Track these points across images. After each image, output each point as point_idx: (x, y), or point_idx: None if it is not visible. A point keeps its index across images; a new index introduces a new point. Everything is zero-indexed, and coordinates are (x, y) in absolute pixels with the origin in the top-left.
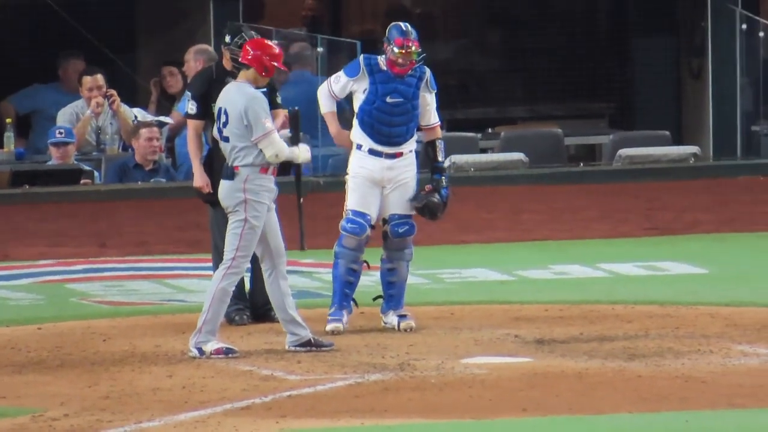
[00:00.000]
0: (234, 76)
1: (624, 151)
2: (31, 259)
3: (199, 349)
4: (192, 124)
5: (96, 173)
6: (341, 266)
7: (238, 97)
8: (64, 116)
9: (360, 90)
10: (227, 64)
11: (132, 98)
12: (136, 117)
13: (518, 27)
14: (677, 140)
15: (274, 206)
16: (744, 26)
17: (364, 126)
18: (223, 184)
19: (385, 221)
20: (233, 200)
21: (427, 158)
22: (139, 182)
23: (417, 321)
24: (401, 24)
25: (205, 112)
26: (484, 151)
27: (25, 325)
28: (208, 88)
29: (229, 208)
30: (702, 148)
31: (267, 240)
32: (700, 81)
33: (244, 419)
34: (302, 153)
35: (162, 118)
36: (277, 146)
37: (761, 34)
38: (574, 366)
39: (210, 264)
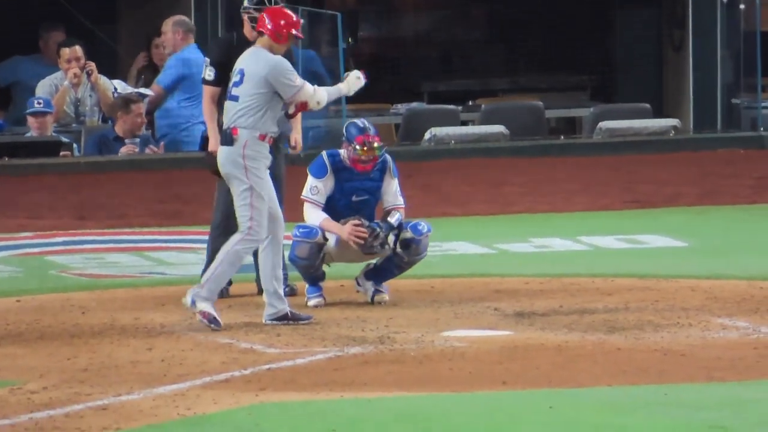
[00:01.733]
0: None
1: (605, 124)
2: (10, 232)
3: (193, 302)
4: (208, 91)
5: (75, 145)
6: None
7: (257, 60)
8: (43, 88)
9: (327, 187)
10: (248, 29)
11: (113, 70)
12: (116, 89)
13: None
14: (658, 113)
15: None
16: None
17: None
18: (222, 150)
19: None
20: (233, 166)
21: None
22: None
23: (397, 294)
24: (357, 121)
25: (222, 80)
26: (464, 123)
27: (3, 298)
28: (228, 55)
29: (229, 175)
30: (682, 120)
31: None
32: (681, 53)
33: (223, 392)
34: (351, 82)
35: (142, 90)
36: (317, 94)
37: (742, 6)
38: (554, 339)
39: (206, 237)
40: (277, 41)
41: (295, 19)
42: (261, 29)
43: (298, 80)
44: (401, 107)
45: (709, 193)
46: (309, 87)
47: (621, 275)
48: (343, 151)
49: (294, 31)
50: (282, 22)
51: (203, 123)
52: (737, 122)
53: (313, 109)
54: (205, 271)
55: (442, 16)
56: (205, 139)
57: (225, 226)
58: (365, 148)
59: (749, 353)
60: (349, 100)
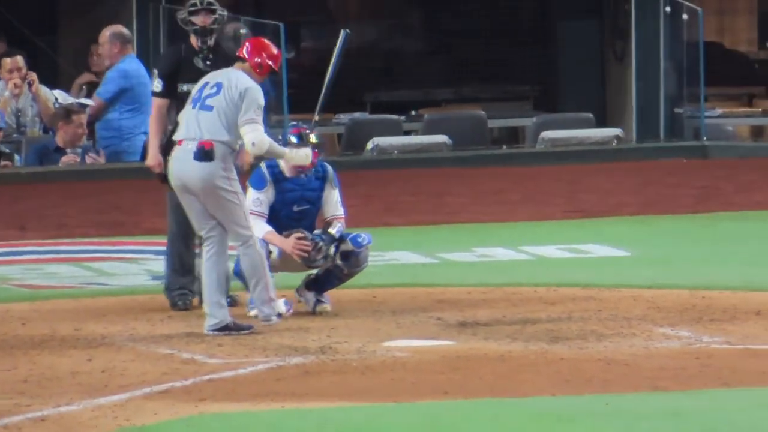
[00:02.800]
0: (201, 55)
1: (547, 134)
2: None
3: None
4: (156, 102)
5: (16, 156)
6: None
7: (237, 78)
8: None
9: (268, 198)
10: (193, 39)
11: (53, 80)
12: (56, 99)
13: (442, 8)
14: (601, 123)
15: None
16: (668, 9)
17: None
18: (202, 167)
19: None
20: (217, 180)
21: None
22: (60, 163)
23: (339, 304)
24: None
25: (170, 92)
26: (407, 133)
27: None
28: (175, 67)
29: (211, 189)
30: (625, 130)
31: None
32: (624, 63)
33: (163, 403)
34: (298, 155)
35: (83, 100)
36: (259, 135)
37: (685, 16)
38: (497, 348)
39: (161, 248)
40: (257, 72)
41: (276, 52)
42: (242, 56)
43: (258, 120)
44: (344, 117)
45: (651, 203)
46: (261, 128)
47: (564, 285)
48: (282, 161)
49: (272, 64)
50: (264, 55)
51: (145, 133)
52: (680, 132)
53: (246, 148)
54: (170, 281)
55: (385, 26)
56: (146, 149)
57: (182, 234)
58: (302, 140)
59: (692, 363)
60: (291, 110)
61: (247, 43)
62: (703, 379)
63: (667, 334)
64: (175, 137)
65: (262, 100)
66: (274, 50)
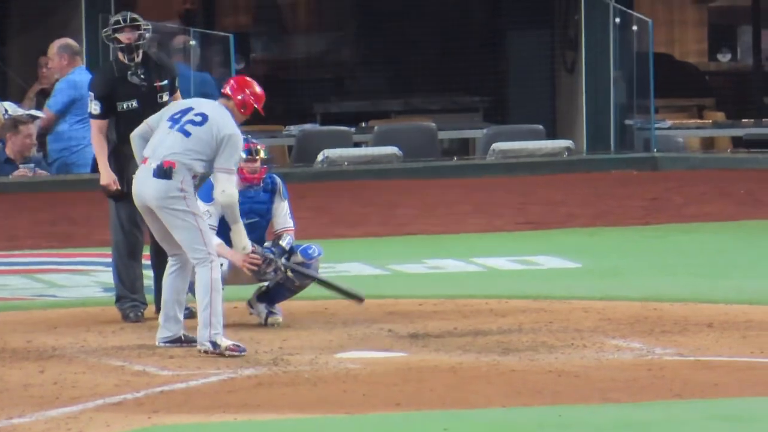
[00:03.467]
0: (132, 70)
1: (498, 145)
2: None
3: (213, 343)
4: (96, 124)
5: None
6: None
7: (225, 120)
8: None
9: (218, 211)
10: (120, 54)
11: (3, 91)
12: (6, 110)
13: (393, 19)
14: (551, 134)
15: None
16: (617, 20)
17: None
18: (158, 183)
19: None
20: (171, 200)
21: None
22: (10, 176)
23: (290, 316)
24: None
25: (109, 111)
26: (357, 145)
27: None
28: (111, 87)
29: (164, 207)
30: (576, 142)
31: None
32: (574, 75)
33: (116, 415)
34: (242, 243)
35: (33, 112)
36: (231, 188)
37: (635, 27)
38: (448, 360)
39: (109, 260)
40: (241, 111)
41: (260, 92)
42: (227, 95)
43: (233, 169)
44: (294, 129)
45: (602, 214)
46: (234, 180)
47: (514, 296)
48: None
49: (256, 104)
50: (248, 92)
51: None
52: (630, 143)
53: (215, 196)
54: (119, 293)
55: (335, 37)
56: (96, 161)
57: (128, 247)
58: (252, 154)
59: (643, 374)
60: (244, 122)
61: (231, 81)
62: (655, 391)
63: (619, 346)
64: (144, 154)
65: (239, 145)
66: (258, 89)
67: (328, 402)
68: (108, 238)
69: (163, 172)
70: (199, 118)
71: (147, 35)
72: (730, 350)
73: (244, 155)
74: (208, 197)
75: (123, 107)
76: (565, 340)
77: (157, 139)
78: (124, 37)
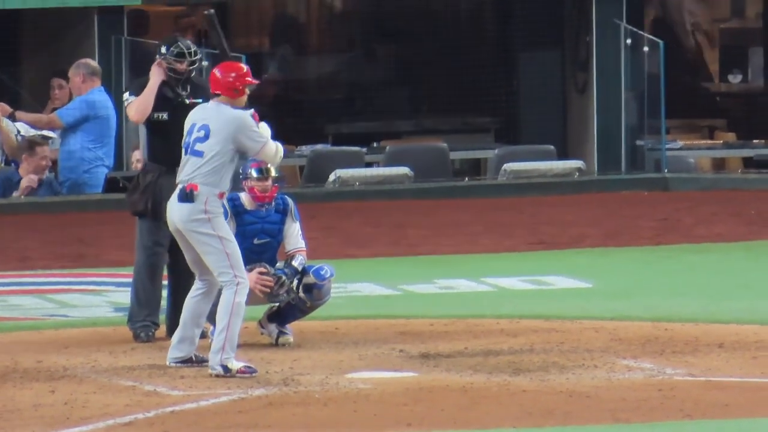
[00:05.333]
0: (169, 86)
1: (509, 166)
2: None
3: (224, 367)
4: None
5: None
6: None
7: (221, 116)
8: None
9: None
10: (169, 78)
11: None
12: (19, 131)
13: (404, 40)
14: (562, 154)
15: None
16: (629, 41)
17: None
18: (181, 208)
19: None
20: (195, 223)
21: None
22: (17, 192)
23: (301, 336)
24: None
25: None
26: (369, 165)
27: None
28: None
29: (191, 231)
30: (587, 162)
31: None
32: (585, 95)
33: None
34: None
35: (46, 133)
36: (274, 151)
37: (645, 48)
38: (459, 380)
39: (123, 279)
40: (234, 96)
41: (245, 69)
42: (216, 91)
43: (264, 135)
44: (306, 149)
45: (613, 235)
46: (272, 143)
47: (526, 316)
48: (242, 194)
49: (248, 79)
50: (232, 75)
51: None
52: (641, 164)
53: (274, 164)
54: (133, 313)
55: (346, 58)
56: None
57: (149, 266)
58: (263, 174)
59: (654, 395)
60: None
61: (213, 73)
62: (666, 411)
63: (630, 366)
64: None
65: (252, 122)
66: (242, 67)
67: (339, 422)
68: (119, 259)
69: (186, 195)
70: (202, 133)
71: (197, 64)
72: (740, 371)
73: (255, 173)
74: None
75: (153, 117)
76: (576, 360)
77: (181, 164)
78: (181, 66)
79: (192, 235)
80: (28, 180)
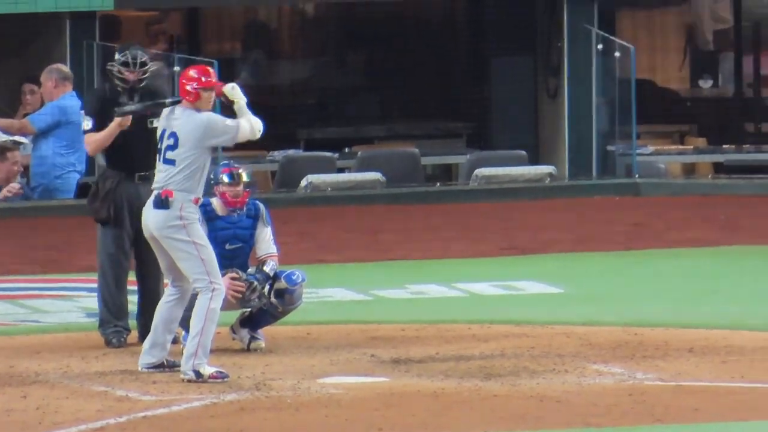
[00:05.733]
0: (126, 94)
1: (481, 171)
2: None
3: (196, 372)
4: (88, 136)
5: None
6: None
7: (188, 122)
8: None
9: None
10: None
11: None
12: None
13: (376, 46)
14: (534, 160)
15: None
16: (600, 46)
17: None
18: (156, 214)
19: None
20: (170, 229)
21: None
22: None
23: (273, 341)
24: (225, 161)
25: (100, 128)
26: (341, 170)
27: None
28: (101, 106)
29: (165, 237)
30: (558, 167)
31: None
32: (557, 101)
33: None
34: (237, 94)
35: (17, 138)
36: (253, 125)
37: (617, 54)
38: (431, 385)
39: (95, 285)
40: (193, 101)
41: (196, 74)
42: (181, 96)
43: (232, 122)
44: (277, 154)
45: (584, 240)
46: (243, 122)
47: (497, 322)
48: (214, 200)
49: (204, 79)
50: (184, 82)
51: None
52: (612, 169)
53: (255, 138)
54: (103, 319)
55: (318, 63)
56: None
57: (114, 272)
58: (234, 179)
59: (625, 399)
60: (225, 147)
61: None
62: (636, 416)
63: (600, 371)
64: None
65: (217, 119)
66: (194, 72)
67: (311, 427)
68: (91, 264)
69: (161, 202)
70: (171, 141)
71: (149, 73)
72: (710, 375)
73: (226, 179)
74: None
75: (113, 112)
76: (547, 365)
77: (156, 170)
78: (129, 75)
79: (167, 242)
80: (10, 188)
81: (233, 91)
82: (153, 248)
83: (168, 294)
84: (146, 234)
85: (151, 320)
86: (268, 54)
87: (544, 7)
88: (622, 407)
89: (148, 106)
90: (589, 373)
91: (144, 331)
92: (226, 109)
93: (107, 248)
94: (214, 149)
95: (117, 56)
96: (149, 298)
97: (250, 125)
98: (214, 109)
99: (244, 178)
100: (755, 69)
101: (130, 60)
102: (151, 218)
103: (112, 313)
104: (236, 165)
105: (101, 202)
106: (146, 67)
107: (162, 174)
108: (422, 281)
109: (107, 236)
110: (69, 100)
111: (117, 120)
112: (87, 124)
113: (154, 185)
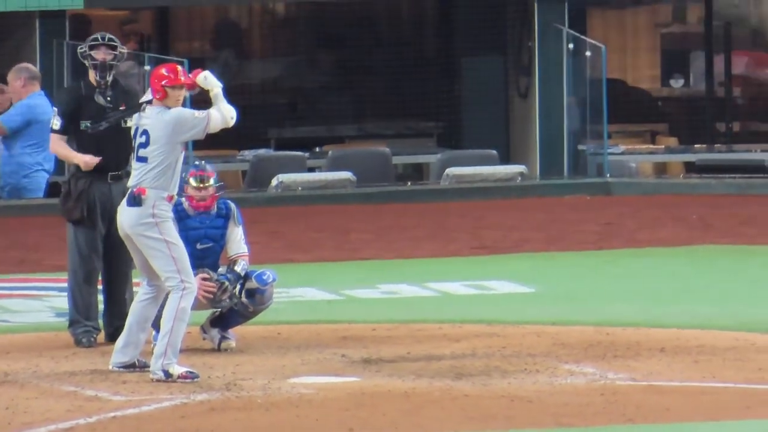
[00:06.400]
0: (101, 89)
1: (452, 170)
2: None
3: (165, 372)
4: (55, 138)
5: None
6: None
7: (159, 120)
8: None
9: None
10: (92, 75)
11: None
12: None
13: (347, 45)
14: (505, 159)
15: None
16: (571, 46)
17: None
18: (129, 212)
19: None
20: (143, 227)
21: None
22: None
23: (244, 341)
24: (196, 162)
25: (69, 129)
26: (312, 169)
27: None
28: (76, 105)
29: (138, 235)
30: (529, 167)
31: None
32: (528, 100)
33: None
34: (211, 82)
35: None
36: (224, 113)
37: (588, 53)
38: (402, 385)
39: (65, 284)
40: (161, 99)
41: (165, 72)
42: (152, 95)
43: (201, 114)
44: (248, 154)
45: (555, 239)
46: (213, 112)
47: (468, 321)
48: (184, 200)
49: (173, 77)
50: (155, 81)
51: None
52: (583, 169)
53: (229, 125)
54: (73, 318)
55: (289, 62)
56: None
57: (85, 272)
58: (200, 182)
59: (596, 399)
60: (196, 146)
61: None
62: (608, 416)
63: (572, 371)
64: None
65: (186, 114)
66: (162, 70)
67: (281, 427)
68: (60, 264)
69: (134, 199)
70: (143, 139)
71: (122, 57)
72: (682, 375)
73: (192, 182)
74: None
75: (81, 126)
76: (519, 365)
77: (132, 168)
78: (99, 55)
79: (140, 239)
80: None
81: (206, 80)
82: (128, 247)
83: (142, 293)
84: (121, 232)
85: (118, 321)
86: (239, 53)
87: (514, 6)
88: (594, 407)
89: (119, 117)
90: (560, 373)
91: (111, 331)
92: (198, 103)
93: (79, 248)
94: (186, 147)
95: (86, 47)
96: (115, 299)
97: (221, 114)
98: (183, 106)
99: (212, 182)
100: (726, 68)
101: (98, 36)
102: (124, 216)
103: (81, 313)
104: (205, 168)
105: (75, 203)
106: (115, 44)
107: (135, 172)
108: (393, 281)
109: (79, 236)
110: (38, 99)
111: (83, 160)
112: (56, 123)
113: (129, 183)
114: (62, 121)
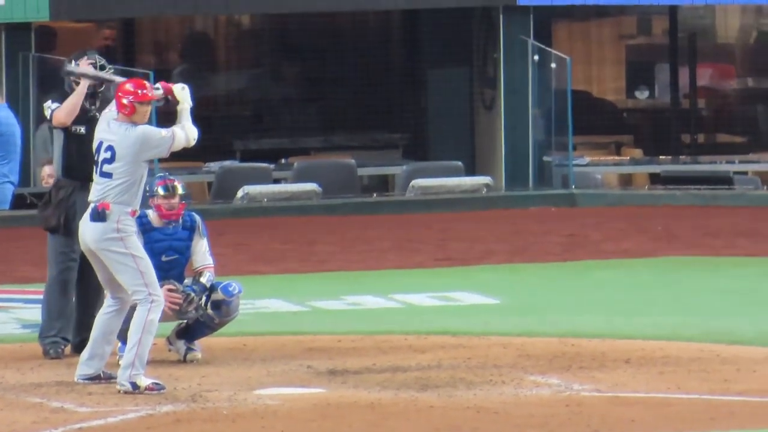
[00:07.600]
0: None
1: (417, 182)
2: None
3: (133, 383)
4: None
5: None
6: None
7: (124, 137)
8: None
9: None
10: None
11: None
12: None
13: (312, 57)
14: (470, 171)
15: None
16: (536, 57)
17: None
18: (93, 227)
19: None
20: (108, 242)
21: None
22: None
23: (209, 352)
24: (160, 174)
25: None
26: (277, 181)
27: None
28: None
29: (103, 250)
30: (494, 178)
31: None
32: (493, 112)
33: None
34: (183, 96)
35: None
36: (187, 133)
37: (553, 65)
38: (367, 396)
39: (32, 296)
40: (128, 114)
41: (132, 88)
42: (118, 110)
43: (166, 133)
44: (213, 165)
45: (520, 251)
46: (178, 131)
47: (433, 332)
48: (150, 211)
49: (140, 93)
50: (120, 95)
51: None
52: (548, 180)
53: (189, 146)
54: (44, 328)
55: (255, 74)
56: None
57: (61, 281)
58: (169, 191)
59: (561, 410)
60: (161, 159)
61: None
62: (573, 427)
63: (537, 382)
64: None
65: (150, 132)
66: (128, 85)
67: None
68: (27, 275)
69: (98, 215)
70: (108, 154)
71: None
72: (647, 386)
73: (161, 191)
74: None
75: (72, 130)
76: (484, 377)
77: (93, 182)
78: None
79: (105, 254)
80: None
81: (183, 92)
82: (90, 261)
83: (107, 305)
84: (83, 247)
85: (86, 332)
86: (204, 65)
87: (480, 18)
88: (559, 418)
89: (98, 77)
90: (526, 384)
91: (77, 342)
92: (163, 117)
93: (56, 257)
94: (150, 161)
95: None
96: (87, 310)
97: (185, 133)
98: (150, 120)
99: (180, 190)
100: (691, 80)
101: (97, 64)
102: (88, 231)
103: (54, 322)
104: (171, 177)
105: (53, 210)
106: (104, 63)
107: (99, 187)
108: (358, 292)
109: (56, 245)
110: (1, 110)
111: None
112: (53, 105)
113: (91, 197)
114: (59, 101)
